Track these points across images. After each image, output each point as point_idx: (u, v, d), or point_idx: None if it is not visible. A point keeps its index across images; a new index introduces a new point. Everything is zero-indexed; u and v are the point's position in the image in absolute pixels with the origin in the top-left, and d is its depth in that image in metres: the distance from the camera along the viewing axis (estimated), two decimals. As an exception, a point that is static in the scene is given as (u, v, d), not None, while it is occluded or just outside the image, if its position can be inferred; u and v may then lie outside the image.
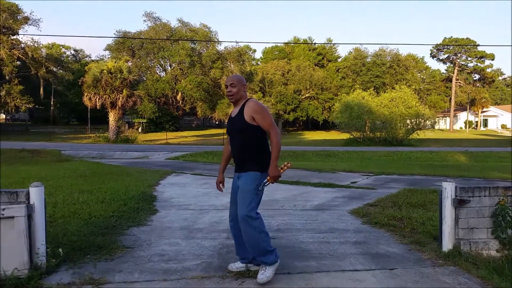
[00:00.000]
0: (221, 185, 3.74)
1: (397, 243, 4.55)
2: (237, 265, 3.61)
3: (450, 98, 66.22)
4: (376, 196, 7.62)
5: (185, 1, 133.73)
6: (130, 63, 42.77)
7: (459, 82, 67.47)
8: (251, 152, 3.41)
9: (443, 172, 12.36)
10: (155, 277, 3.48)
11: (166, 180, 9.87)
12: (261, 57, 71.38)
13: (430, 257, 4.01)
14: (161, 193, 7.79)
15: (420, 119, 34.84)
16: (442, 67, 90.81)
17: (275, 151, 3.34)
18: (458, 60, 64.60)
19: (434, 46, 63.42)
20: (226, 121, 3.60)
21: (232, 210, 3.58)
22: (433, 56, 66.25)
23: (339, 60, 68.14)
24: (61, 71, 49.86)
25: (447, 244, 4.05)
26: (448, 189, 4.04)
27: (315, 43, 65.81)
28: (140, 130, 46.62)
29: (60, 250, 3.69)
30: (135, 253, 4.08)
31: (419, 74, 69.63)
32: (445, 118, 69.11)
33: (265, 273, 3.34)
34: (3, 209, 3.31)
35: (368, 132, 35.93)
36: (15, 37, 40.33)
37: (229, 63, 48.92)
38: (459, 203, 4.02)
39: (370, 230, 5.12)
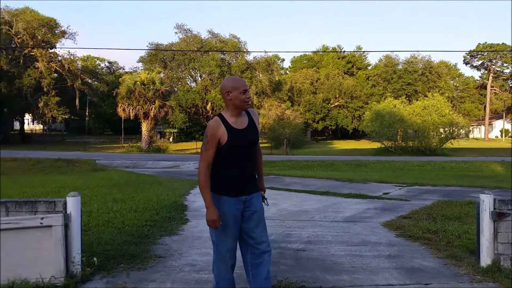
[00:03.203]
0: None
1: (433, 257, 4.42)
2: None
3: (485, 106, 64.08)
4: (409, 208, 7.44)
5: (213, 7, 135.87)
6: (162, 75, 43.63)
7: (494, 89, 65.27)
8: (257, 167, 3.05)
9: (479, 183, 11.94)
10: (186, 287, 3.50)
11: (196, 189, 9.94)
12: (289, 66, 71.30)
13: (467, 272, 3.87)
14: (192, 203, 7.86)
15: (454, 128, 33.86)
16: (476, 74, 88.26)
17: (262, 166, 3.16)
18: (493, 67, 62.53)
19: (467, 52, 61.60)
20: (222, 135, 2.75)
21: (233, 245, 2.87)
22: (466, 63, 64.31)
23: (369, 68, 67.19)
24: (96, 82, 51.39)
25: (485, 259, 3.89)
26: (486, 201, 3.90)
27: (344, 51, 64.95)
28: (171, 140, 47.50)
29: (95, 259, 3.77)
30: (167, 263, 4.12)
31: (452, 82, 67.84)
32: (479, 126, 66.90)
33: None
34: (42, 218, 3.43)
35: (400, 141, 35.17)
36: (52, 50, 41.99)
37: (258, 73, 49.14)
38: (498, 216, 3.87)
39: (404, 243, 5.00)
